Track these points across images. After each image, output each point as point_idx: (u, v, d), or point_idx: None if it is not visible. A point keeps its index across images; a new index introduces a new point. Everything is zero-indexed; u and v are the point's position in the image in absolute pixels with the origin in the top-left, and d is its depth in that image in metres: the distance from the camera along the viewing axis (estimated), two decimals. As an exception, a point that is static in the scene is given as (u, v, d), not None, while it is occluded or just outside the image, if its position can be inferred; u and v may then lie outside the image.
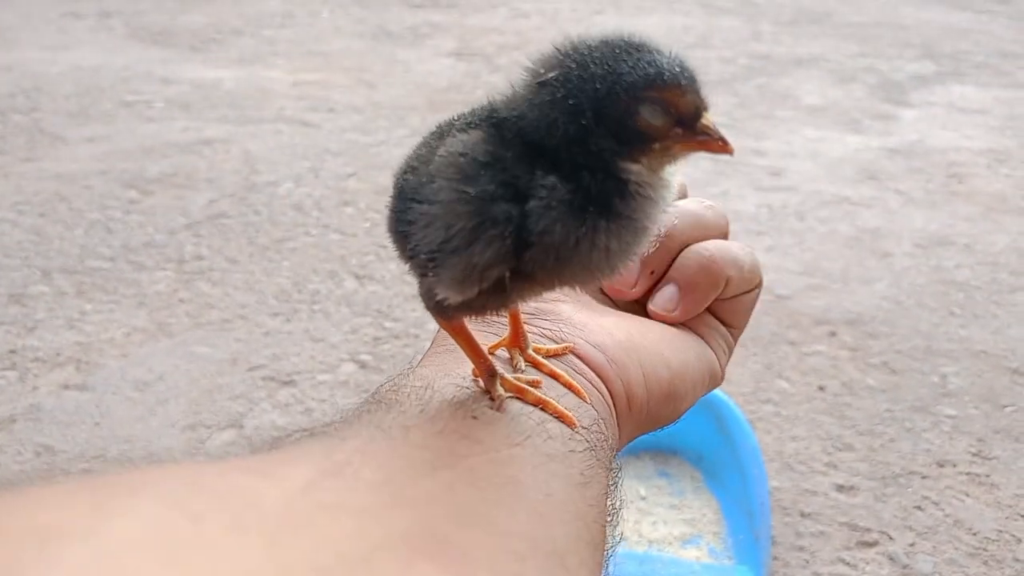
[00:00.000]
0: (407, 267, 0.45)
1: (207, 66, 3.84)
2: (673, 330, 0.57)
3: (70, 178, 2.59)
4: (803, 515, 1.40)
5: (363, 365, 1.75)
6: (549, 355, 0.51)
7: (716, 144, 0.40)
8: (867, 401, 1.67)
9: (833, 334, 1.89)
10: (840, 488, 1.46)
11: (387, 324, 1.89)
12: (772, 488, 1.43)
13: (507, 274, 0.40)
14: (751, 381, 1.72)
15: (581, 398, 0.48)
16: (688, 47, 4.30)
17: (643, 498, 1.39)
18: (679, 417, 0.55)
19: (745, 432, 1.35)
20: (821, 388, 1.71)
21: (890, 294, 2.07)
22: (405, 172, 0.44)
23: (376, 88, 3.56)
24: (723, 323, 0.60)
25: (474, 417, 0.43)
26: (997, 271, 2.19)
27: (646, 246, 0.43)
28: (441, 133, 0.44)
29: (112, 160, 2.74)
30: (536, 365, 0.49)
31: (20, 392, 1.64)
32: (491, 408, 0.44)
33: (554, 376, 0.49)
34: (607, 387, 0.51)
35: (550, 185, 0.39)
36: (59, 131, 2.99)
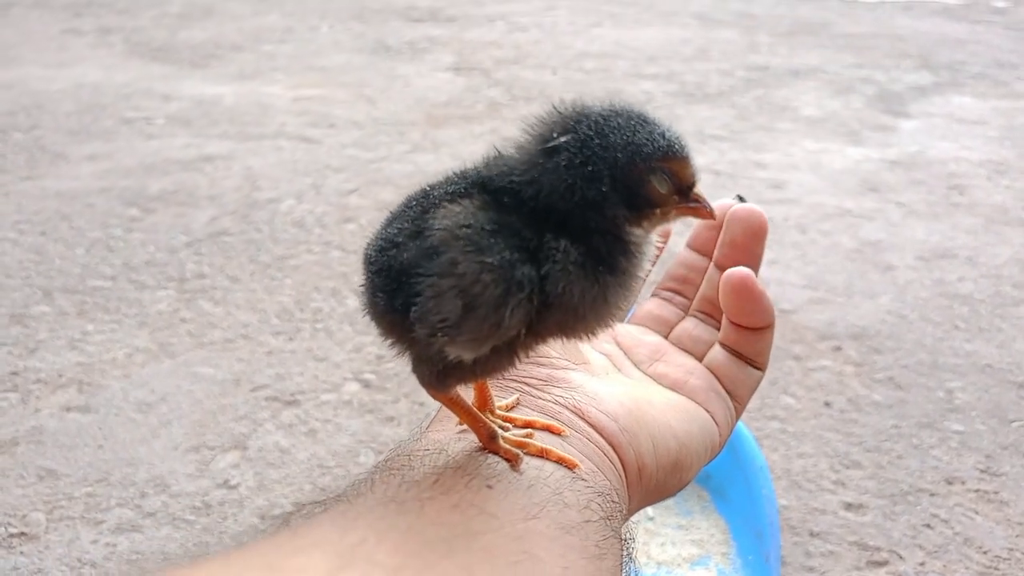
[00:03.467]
0: (389, 343, 0.45)
1: (207, 82, 3.85)
2: (677, 398, 0.57)
3: (71, 196, 2.59)
4: (812, 534, 1.39)
5: (367, 384, 1.74)
6: (508, 411, 0.52)
7: (705, 211, 0.45)
8: (873, 417, 1.67)
9: (838, 349, 1.88)
10: (849, 506, 1.45)
11: (390, 342, 1.88)
12: (780, 506, 1.42)
13: (522, 330, 0.42)
14: (757, 398, 1.71)
15: (555, 432, 0.50)
16: (686, 60, 4.32)
17: (651, 519, 1.38)
18: (683, 487, 0.56)
19: (753, 450, 1.34)
20: (827, 404, 1.70)
21: (894, 308, 2.06)
22: (386, 249, 0.43)
23: (376, 103, 3.57)
24: (751, 363, 0.60)
25: (489, 487, 0.43)
26: (1000, 284, 2.19)
27: (636, 295, 0.46)
28: (423, 207, 0.43)
29: (113, 178, 2.74)
30: (529, 424, 0.51)
31: (22, 414, 1.63)
32: (512, 469, 0.45)
33: (530, 425, 0.50)
34: (619, 456, 0.51)
35: (563, 248, 0.41)
36: (60, 149, 2.99)
